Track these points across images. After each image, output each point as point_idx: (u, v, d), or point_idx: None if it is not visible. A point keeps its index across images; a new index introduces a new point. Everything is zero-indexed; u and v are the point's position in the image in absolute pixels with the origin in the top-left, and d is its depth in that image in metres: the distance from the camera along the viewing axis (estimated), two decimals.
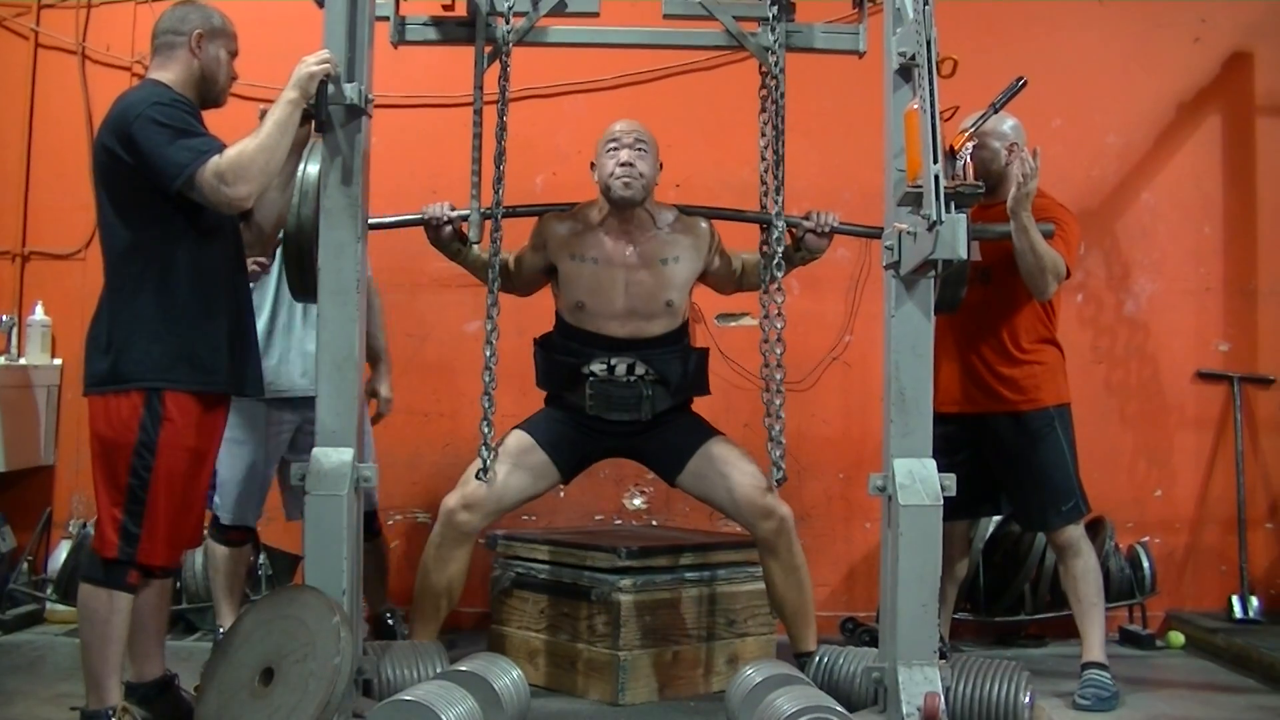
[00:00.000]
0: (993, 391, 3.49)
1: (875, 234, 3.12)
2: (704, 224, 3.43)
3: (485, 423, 3.13)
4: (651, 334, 3.34)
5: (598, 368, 3.31)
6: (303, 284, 2.97)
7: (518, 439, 3.32)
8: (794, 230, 3.28)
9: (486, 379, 3.11)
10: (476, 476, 3.20)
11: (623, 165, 3.30)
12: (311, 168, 2.91)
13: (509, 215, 3.25)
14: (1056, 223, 3.39)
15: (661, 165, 3.41)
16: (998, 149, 3.51)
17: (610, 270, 3.33)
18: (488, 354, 3.12)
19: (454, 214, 3.22)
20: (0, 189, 4.60)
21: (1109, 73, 4.58)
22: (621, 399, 3.31)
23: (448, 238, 3.25)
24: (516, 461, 3.27)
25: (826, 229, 3.26)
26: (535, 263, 3.41)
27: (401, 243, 4.17)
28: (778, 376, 3.15)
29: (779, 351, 3.16)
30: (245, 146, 2.59)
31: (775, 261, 3.15)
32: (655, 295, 3.34)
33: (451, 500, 3.26)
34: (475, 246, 3.31)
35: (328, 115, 2.73)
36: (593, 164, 3.41)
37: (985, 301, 3.48)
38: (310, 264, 2.90)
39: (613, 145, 3.34)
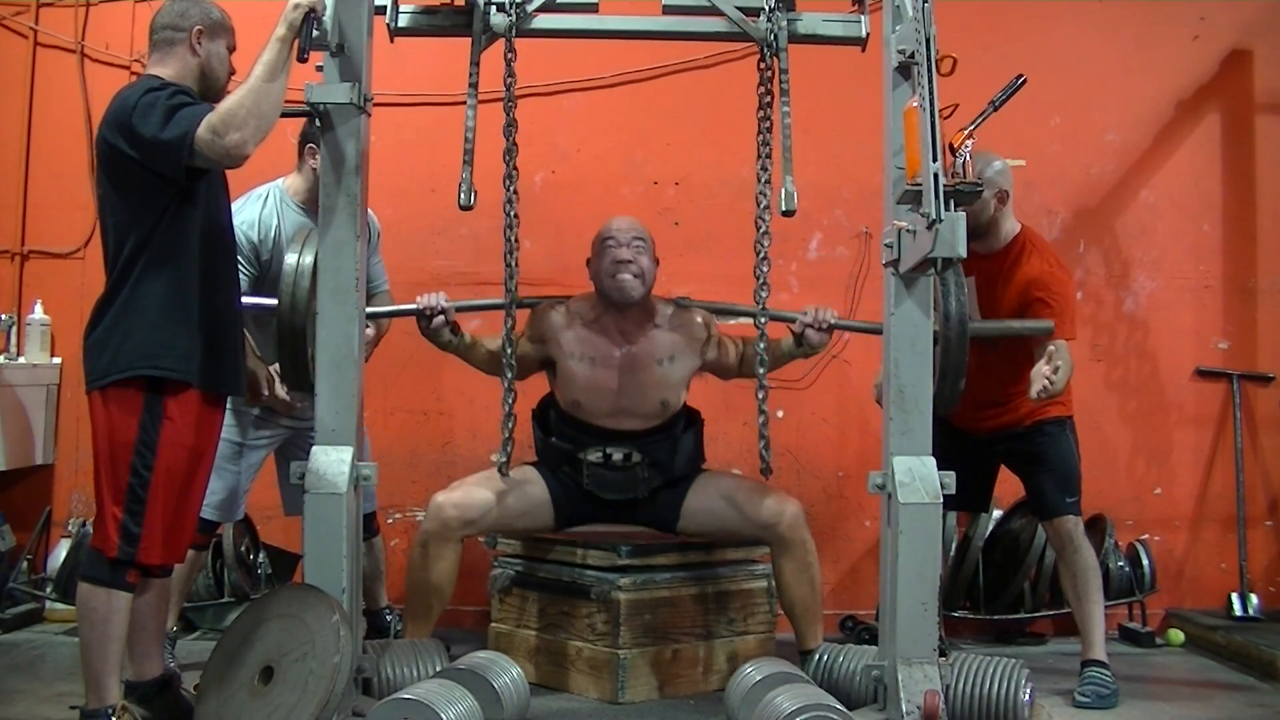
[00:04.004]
0: (1010, 417, 3.52)
1: (874, 330, 3.15)
2: (700, 318, 3.49)
3: (504, 423, 3.21)
4: (647, 428, 3.42)
5: (593, 456, 3.38)
6: (295, 372, 2.93)
7: (529, 472, 3.43)
8: (793, 326, 3.33)
9: (505, 382, 3.14)
10: (500, 471, 3.27)
11: (620, 262, 3.34)
12: (306, 258, 2.89)
13: (521, 305, 3.30)
14: (1049, 299, 3.36)
15: (658, 261, 3.45)
16: (986, 199, 3.40)
17: (606, 372, 3.39)
18: (504, 349, 3.12)
19: (447, 305, 3.25)
20: None
21: (1108, 71, 4.58)
22: (617, 482, 3.40)
23: (439, 327, 3.26)
24: (519, 489, 3.36)
25: (824, 325, 3.29)
26: (532, 354, 3.46)
27: (402, 241, 4.18)
28: (760, 371, 3.18)
29: (762, 346, 3.19)
30: (234, 95, 2.59)
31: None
32: (650, 396, 3.40)
33: (440, 496, 3.33)
34: (468, 335, 3.36)
35: (309, 51, 2.71)
36: (588, 260, 3.45)
37: (993, 363, 3.45)
38: (304, 351, 2.88)
39: (610, 243, 3.38)
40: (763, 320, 3.23)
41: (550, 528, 3.49)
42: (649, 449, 3.40)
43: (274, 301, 2.93)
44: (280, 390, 3.36)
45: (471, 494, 3.33)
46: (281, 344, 2.91)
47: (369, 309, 3.03)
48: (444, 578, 3.30)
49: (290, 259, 2.92)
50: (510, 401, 3.24)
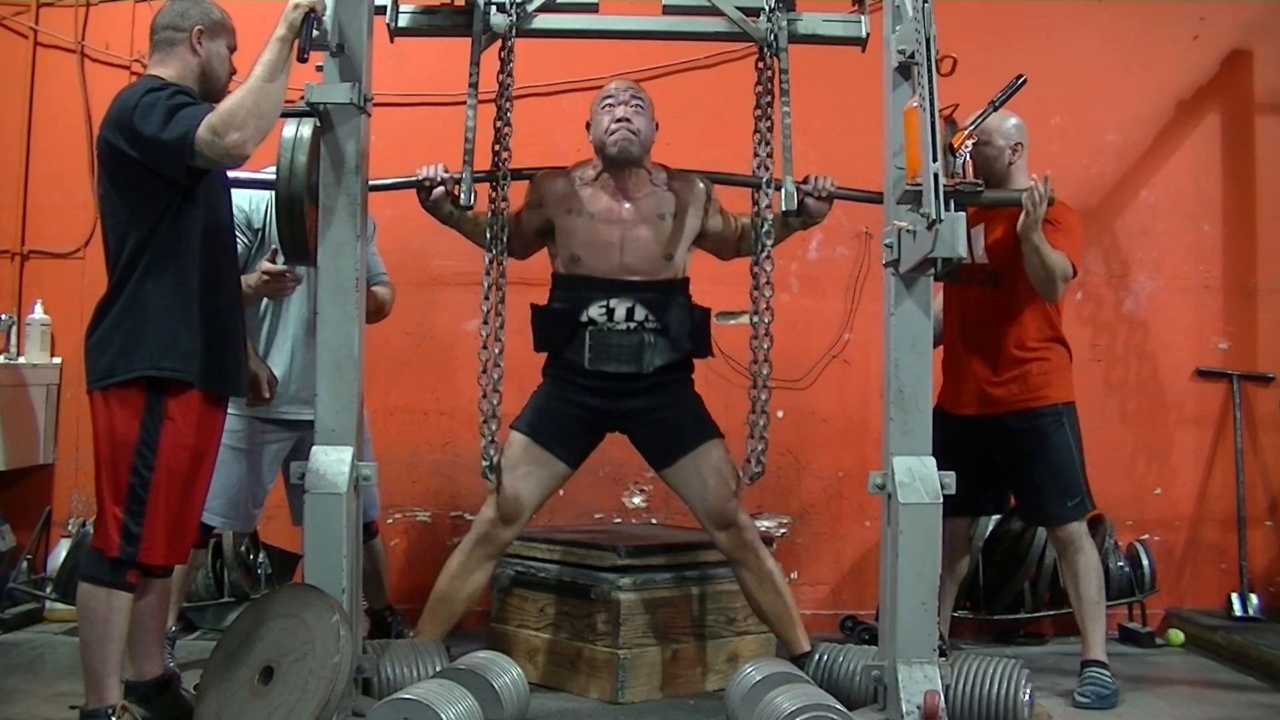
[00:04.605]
0: (1006, 390, 3.50)
1: (874, 199, 3.11)
2: (701, 182, 3.41)
3: (485, 424, 3.15)
4: (651, 280, 3.29)
5: (596, 312, 3.24)
6: (294, 241, 2.91)
7: (519, 443, 3.29)
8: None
9: (486, 383, 3.10)
10: (484, 476, 3.20)
11: (619, 121, 3.28)
12: (304, 130, 2.88)
13: (517, 177, 3.25)
14: (1058, 221, 3.39)
15: (658, 125, 3.40)
16: (1002, 147, 3.51)
17: (607, 226, 3.29)
18: (490, 350, 3.10)
19: (447, 175, 3.20)
20: None
21: (1108, 71, 4.58)
22: (620, 348, 3.23)
23: (439, 199, 3.22)
24: (527, 467, 3.25)
25: (824, 193, 3.23)
26: (532, 221, 3.38)
27: (401, 241, 4.18)
28: (764, 371, 3.17)
29: (766, 346, 3.17)
30: (233, 95, 2.60)
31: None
32: (653, 250, 3.30)
33: (489, 512, 3.24)
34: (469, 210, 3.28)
35: (309, 51, 2.71)
36: (588, 124, 3.39)
37: (994, 304, 3.50)
38: (302, 219, 2.86)
39: (609, 102, 3.33)
40: (763, 179, 3.15)
41: (569, 471, 3.34)
42: (653, 305, 3.25)
43: (272, 176, 2.91)
44: (279, 266, 3.30)
45: (511, 504, 3.22)
46: (279, 212, 2.89)
47: (372, 181, 3.00)
48: (477, 591, 3.26)
49: (288, 130, 2.89)
50: (495, 404, 3.18)
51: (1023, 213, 3.29)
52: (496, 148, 3.21)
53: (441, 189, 3.21)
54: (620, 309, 3.24)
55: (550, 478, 3.29)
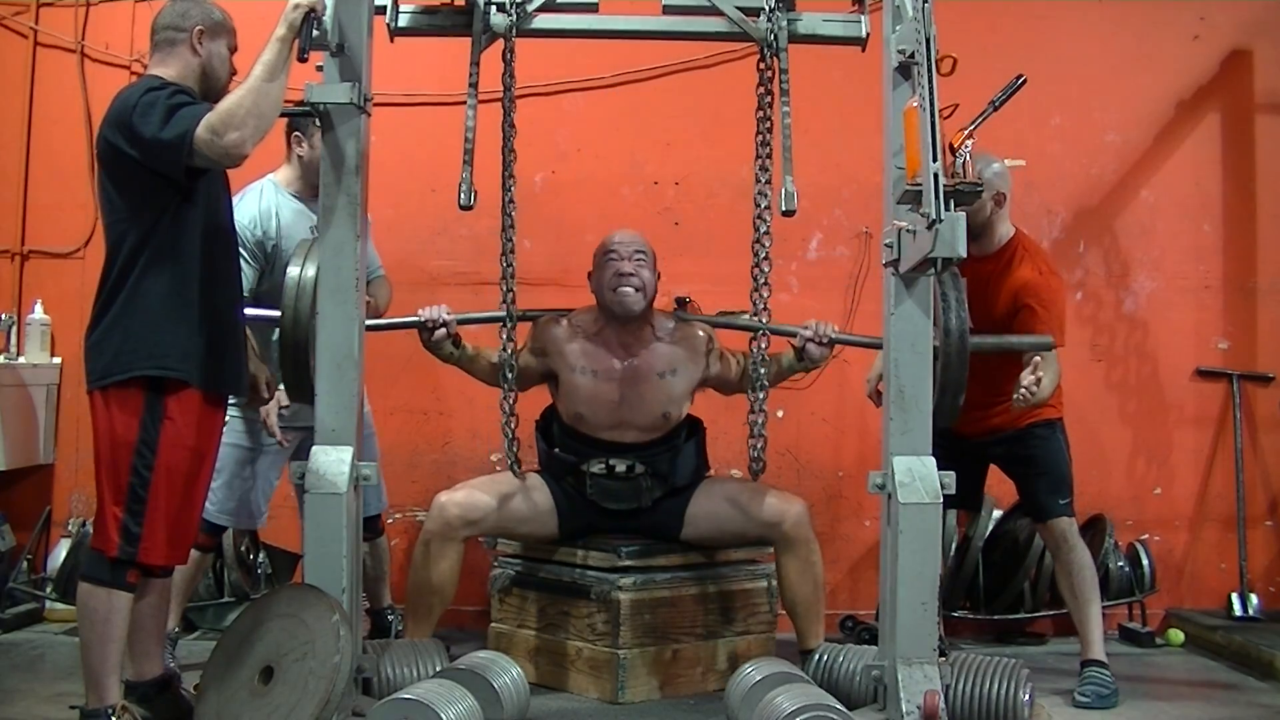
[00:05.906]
0: (1005, 418, 3.49)
1: (874, 344, 3.15)
2: (701, 331, 3.50)
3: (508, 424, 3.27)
4: (649, 439, 3.43)
5: (597, 469, 3.40)
6: (299, 384, 2.93)
7: (535, 479, 3.45)
8: (793, 341, 3.32)
9: (507, 402, 3.15)
10: (512, 470, 3.34)
11: (622, 275, 3.35)
12: (309, 270, 2.88)
13: (523, 318, 3.34)
14: (1041, 306, 3.37)
15: (659, 274, 3.45)
16: (985, 201, 3.41)
17: (608, 384, 3.40)
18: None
19: (450, 317, 3.24)
20: None
21: (1108, 71, 4.58)
22: (621, 491, 3.42)
23: (440, 339, 3.28)
24: (524, 494, 3.39)
25: (825, 339, 3.29)
26: (534, 366, 3.48)
27: (401, 241, 4.18)
28: (761, 371, 3.19)
29: (764, 345, 3.22)
30: (233, 95, 2.60)
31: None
32: (652, 409, 3.42)
33: (443, 495, 3.35)
34: (470, 347, 3.37)
35: (309, 51, 2.71)
36: (589, 274, 3.45)
37: (982, 365, 3.44)
38: (307, 362, 2.87)
39: (612, 256, 3.39)
40: (763, 322, 3.23)
41: (553, 537, 3.48)
42: (651, 460, 3.41)
43: (277, 314, 2.93)
44: (273, 416, 3.37)
45: (475, 495, 3.35)
46: (284, 356, 2.91)
47: (368, 321, 3.03)
48: (446, 578, 3.32)
49: (293, 271, 2.91)
50: (511, 401, 3.27)
51: (1014, 395, 3.20)
52: (503, 152, 3.21)
53: (443, 331, 3.26)
54: (620, 466, 3.40)
55: (532, 520, 3.43)
